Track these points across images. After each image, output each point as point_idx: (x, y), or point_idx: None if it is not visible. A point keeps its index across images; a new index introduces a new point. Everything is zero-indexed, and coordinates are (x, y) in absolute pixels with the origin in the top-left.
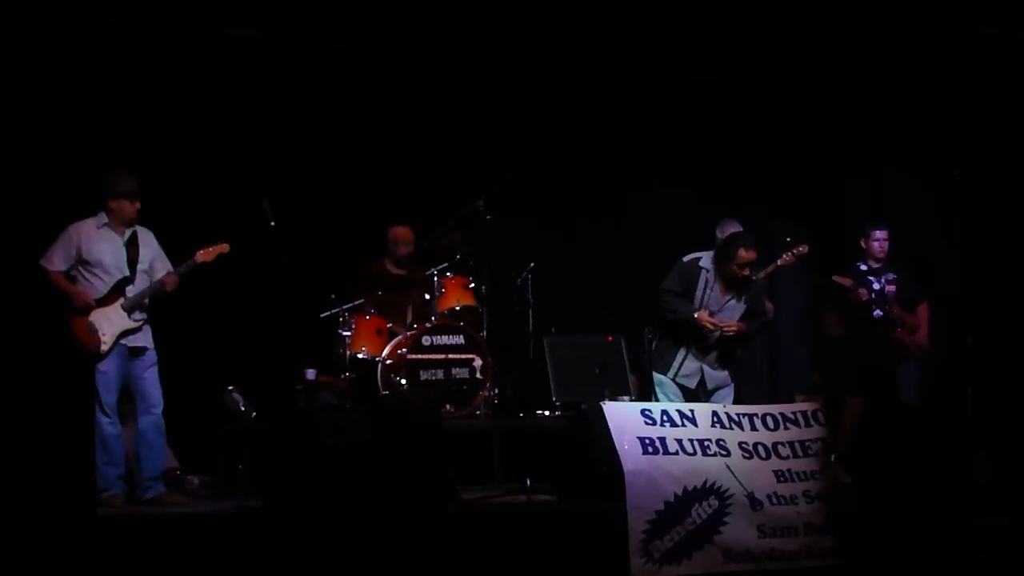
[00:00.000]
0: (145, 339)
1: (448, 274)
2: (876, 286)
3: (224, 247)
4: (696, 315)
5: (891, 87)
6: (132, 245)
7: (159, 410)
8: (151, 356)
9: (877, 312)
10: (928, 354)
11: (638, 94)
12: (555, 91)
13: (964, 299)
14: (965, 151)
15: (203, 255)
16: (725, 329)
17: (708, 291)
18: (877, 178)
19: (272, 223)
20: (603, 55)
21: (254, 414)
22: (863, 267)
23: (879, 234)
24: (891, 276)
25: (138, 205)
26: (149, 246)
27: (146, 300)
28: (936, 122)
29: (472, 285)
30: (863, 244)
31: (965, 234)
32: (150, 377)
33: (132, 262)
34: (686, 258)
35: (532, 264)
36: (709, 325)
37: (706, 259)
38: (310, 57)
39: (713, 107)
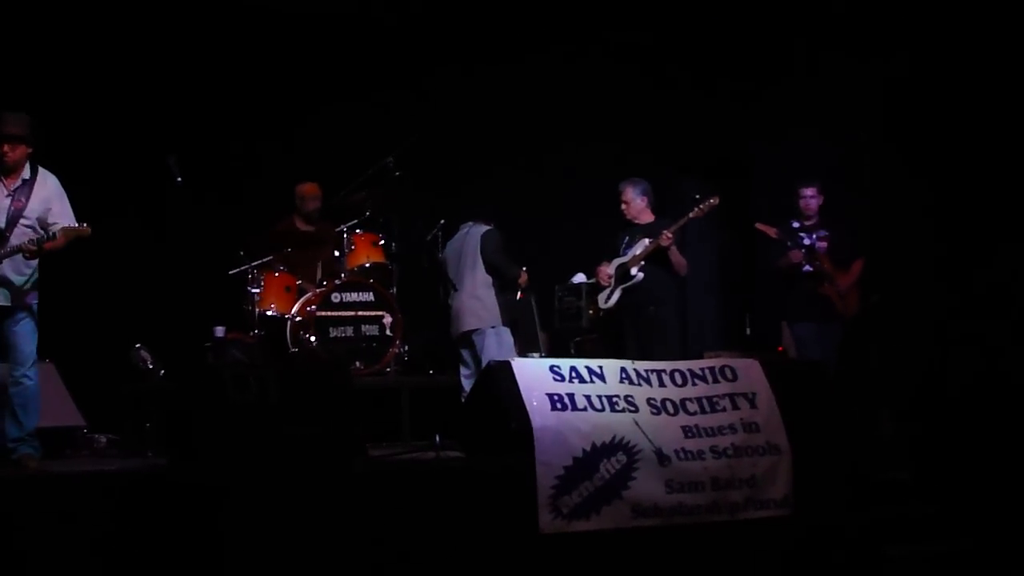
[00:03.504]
0: (6, 299)
1: (357, 231)
2: (807, 241)
3: (85, 231)
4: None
5: (798, 44)
6: (22, 195)
7: (29, 369)
8: (20, 314)
9: (807, 268)
10: (854, 311)
11: (549, 49)
12: (464, 47)
13: (870, 258)
14: (872, 111)
15: (62, 233)
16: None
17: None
18: (784, 137)
19: (179, 180)
20: (514, 7)
21: (162, 372)
22: (795, 224)
23: (808, 191)
24: (823, 233)
25: (21, 149)
26: (42, 197)
27: (22, 258)
28: (843, 81)
29: (382, 242)
30: (796, 201)
31: (872, 194)
32: (20, 334)
33: (13, 216)
34: None
35: (443, 221)
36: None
37: None
38: (216, 8)
39: (625, 64)
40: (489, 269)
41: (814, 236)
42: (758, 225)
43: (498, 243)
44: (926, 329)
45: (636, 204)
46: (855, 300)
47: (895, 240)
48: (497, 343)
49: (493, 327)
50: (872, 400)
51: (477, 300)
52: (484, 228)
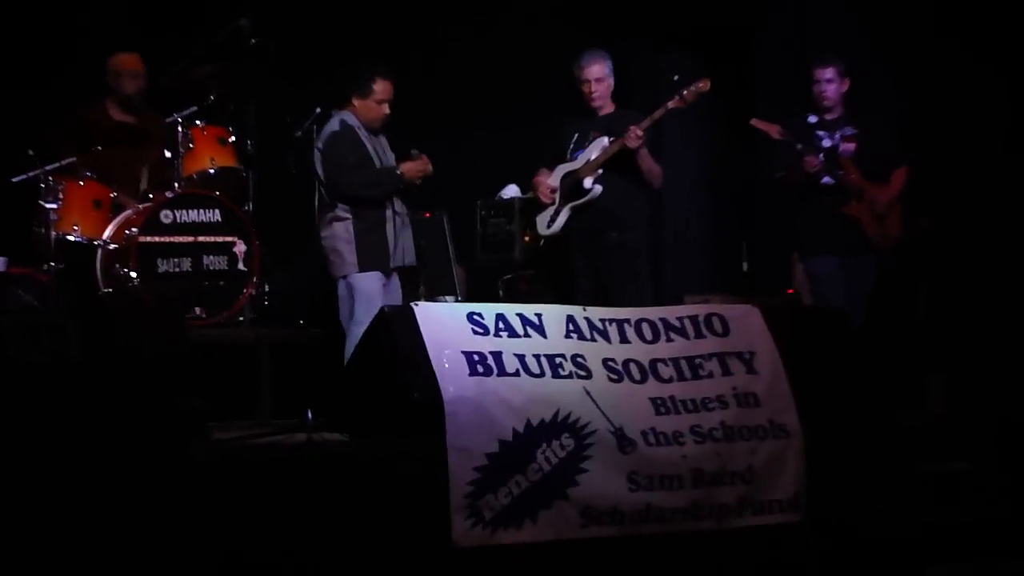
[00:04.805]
0: None
1: (198, 122)
2: (827, 143)
3: None
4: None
5: None
6: None
7: None
8: None
9: (827, 179)
10: (894, 240)
11: None
12: None
13: (916, 166)
14: None
15: None
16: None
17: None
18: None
19: None
20: None
21: None
22: (812, 119)
23: (825, 72)
24: (849, 131)
25: None
26: None
27: None
28: None
29: (233, 139)
30: (810, 88)
31: (919, 77)
32: None
33: None
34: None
35: (319, 110)
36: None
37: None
38: None
39: None
40: (333, 193)
41: (837, 135)
42: (755, 122)
43: (338, 148)
44: (994, 265)
45: (607, 84)
46: (895, 224)
47: (951, 141)
48: (348, 299)
49: (343, 277)
50: (918, 363)
51: (327, 239)
52: (331, 124)
